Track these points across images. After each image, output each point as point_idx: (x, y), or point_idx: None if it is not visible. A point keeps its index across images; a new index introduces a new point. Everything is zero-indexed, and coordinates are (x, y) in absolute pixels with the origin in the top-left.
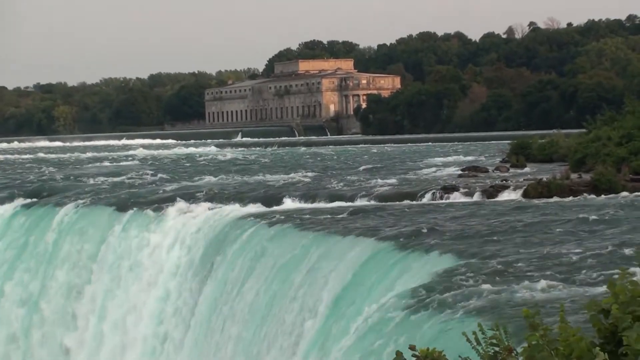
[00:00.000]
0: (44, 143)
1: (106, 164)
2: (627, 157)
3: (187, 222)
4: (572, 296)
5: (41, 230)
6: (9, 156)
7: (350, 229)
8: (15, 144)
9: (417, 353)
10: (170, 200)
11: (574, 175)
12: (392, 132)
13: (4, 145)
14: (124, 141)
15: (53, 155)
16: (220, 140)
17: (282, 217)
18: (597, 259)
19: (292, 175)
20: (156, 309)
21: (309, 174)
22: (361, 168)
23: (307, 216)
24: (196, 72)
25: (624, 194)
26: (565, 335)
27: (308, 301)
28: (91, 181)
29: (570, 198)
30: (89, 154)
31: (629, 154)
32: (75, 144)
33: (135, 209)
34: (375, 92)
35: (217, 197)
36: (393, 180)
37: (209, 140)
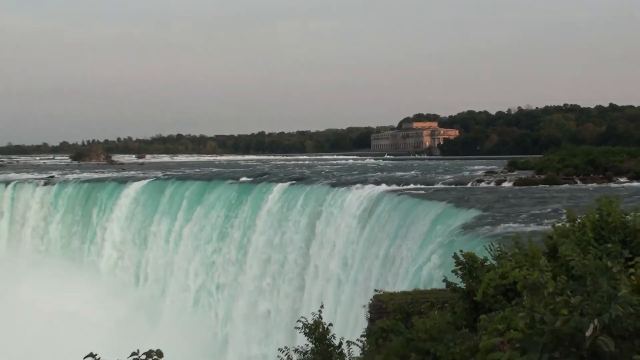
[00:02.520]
0: (300, 157)
1: (327, 167)
2: (561, 168)
3: (361, 193)
4: (535, 230)
5: (296, 195)
6: (286, 162)
7: (433, 197)
8: (285, 157)
9: (463, 254)
10: (355, 182)
11: (537, 176)
12: (454, 155)
13: (280, 157)
14: (334, 157)
15: (307, 162)
16: (377, 157)
17: (404, 192)
18: (548, 214)
19: (408, 172)
20: (345, 236)
21: (415, 172)
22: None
23: (415, 191)
24: (367, 126)
25: (562, 185)
26: (531, 248)
27: (414, 231)
28: (320, 174)
29: (535, 186)
30: (319, 162)
31: (563, 167)
32: (313, 157)
33: (339, 187)
34: (447, 137)
35: (374, 181)
36: (453, 176)
37: (371, 157)
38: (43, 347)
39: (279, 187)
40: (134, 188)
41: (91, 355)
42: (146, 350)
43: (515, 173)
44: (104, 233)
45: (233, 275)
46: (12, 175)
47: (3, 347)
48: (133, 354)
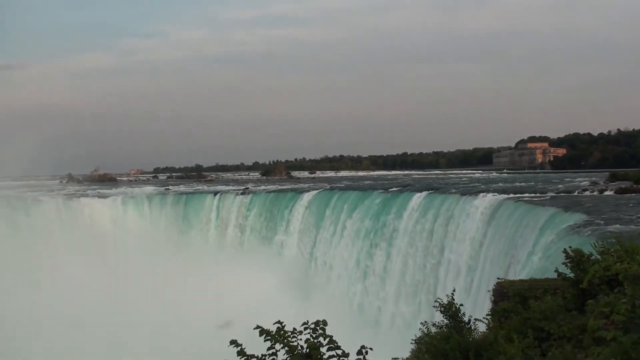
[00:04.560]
0: (435, 172)
1: (457, 180)
2: None
3: (485, 199)
4: (634, 230)
5: (432, 201)
6: (424, 176)
7: (545, 204)
8: (423, 172)
9: (571, 249)
10: (480, 191)
11: (635, 185)
12: (562, 169)
13: (419, 172)
14: (463, 171)
15: (440, 176)
16: (497, 172)
17: (520, 199)
18: None
19: (523, 183)
20: (473, 234)
21: (530, 183)
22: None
23: (529, 198)
24: (489, 147)
25: None
26: (631, 245)
27: (529, 231)
28: (452, 185)
29: (634, 194)
30: (451, 176)
31: None
32: (446, 172)
33: (467, 194)
34: (556, 154)
35: (496, 190)
36: (562, 186)
37: (493, 172)
38: (239, 315)
39: (419, 195)
40: (308, 196)
41: (279, 322)
42: (314, 320)
43: (615, 183)
44: (286, 230)
45: (383, 263)
46: (219, 187)
47: (217, 312)
48: (304, 323)
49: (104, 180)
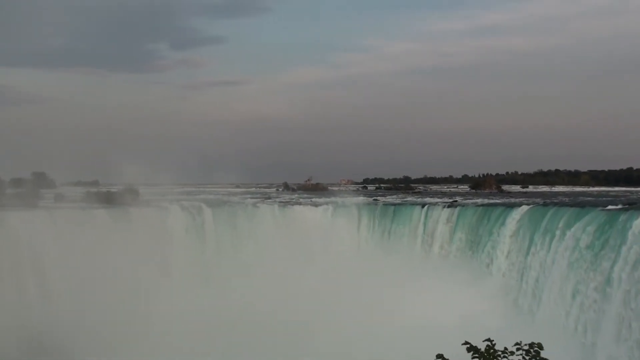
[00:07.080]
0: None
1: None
2: None
3: None
4: None
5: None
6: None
7: None
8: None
9: None
10: None
11: None
12: None
13: None
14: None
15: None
16: None
17: None
18: None
19: None
20: None
21: None
22: None
23: None
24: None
25: None
26: None
27: None
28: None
29: None
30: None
31: None
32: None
33: None
34: None
35: None
36: None
37: None
38: (445, 330)
39: None
40: (519, 211)
41: (488, 339)
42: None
43: None
44: (495, 246)
45: (601, 287)
46: (426, 199)
47: (422, 324)
48: (516, 343)
49: (316, 189)
